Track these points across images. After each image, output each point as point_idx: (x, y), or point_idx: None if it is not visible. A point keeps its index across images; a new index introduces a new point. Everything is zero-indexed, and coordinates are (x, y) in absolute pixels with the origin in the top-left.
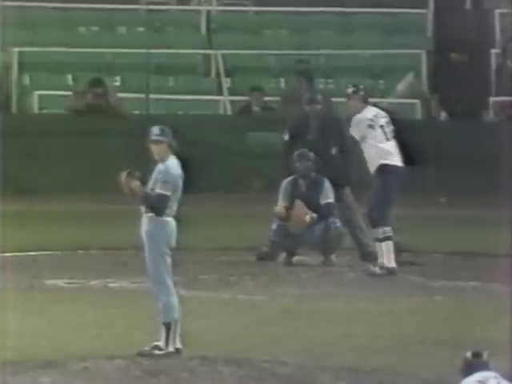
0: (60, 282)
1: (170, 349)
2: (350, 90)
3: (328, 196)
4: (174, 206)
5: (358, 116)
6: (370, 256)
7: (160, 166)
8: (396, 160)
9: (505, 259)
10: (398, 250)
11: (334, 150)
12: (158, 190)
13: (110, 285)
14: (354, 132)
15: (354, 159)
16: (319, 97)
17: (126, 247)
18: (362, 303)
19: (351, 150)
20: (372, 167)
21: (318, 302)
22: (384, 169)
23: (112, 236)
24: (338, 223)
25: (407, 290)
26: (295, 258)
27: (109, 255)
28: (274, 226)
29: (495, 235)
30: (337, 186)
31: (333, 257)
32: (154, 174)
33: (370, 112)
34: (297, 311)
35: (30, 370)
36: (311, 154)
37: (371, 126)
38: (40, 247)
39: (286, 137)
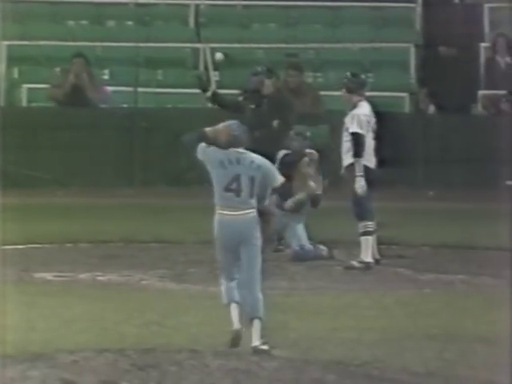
0: (49, 276)
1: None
2: (346, 81)
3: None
4: None
5: (357, 111)
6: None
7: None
8: (370, 161)
9: (493, 252)
10: (381, 244)
11: (275, 123)
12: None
13: (99, 278)
14: (358, 128)
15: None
16: (264, 68)
17: (114, 240)
18: (350, 296)
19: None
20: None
21: (307, 296)
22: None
23: (101, 229)
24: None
25: (396, 283)
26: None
27: (97, 248)
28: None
29: (484, 229)
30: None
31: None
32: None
33: (366, 108)
34: (285, 305)
35: (19, 363)
36: (308, 134)
37: (368, 123)
38: (29, 240)
39: (240, 98)
